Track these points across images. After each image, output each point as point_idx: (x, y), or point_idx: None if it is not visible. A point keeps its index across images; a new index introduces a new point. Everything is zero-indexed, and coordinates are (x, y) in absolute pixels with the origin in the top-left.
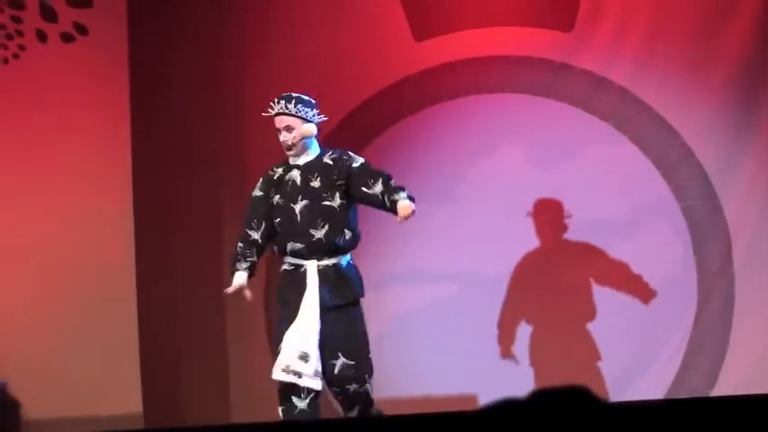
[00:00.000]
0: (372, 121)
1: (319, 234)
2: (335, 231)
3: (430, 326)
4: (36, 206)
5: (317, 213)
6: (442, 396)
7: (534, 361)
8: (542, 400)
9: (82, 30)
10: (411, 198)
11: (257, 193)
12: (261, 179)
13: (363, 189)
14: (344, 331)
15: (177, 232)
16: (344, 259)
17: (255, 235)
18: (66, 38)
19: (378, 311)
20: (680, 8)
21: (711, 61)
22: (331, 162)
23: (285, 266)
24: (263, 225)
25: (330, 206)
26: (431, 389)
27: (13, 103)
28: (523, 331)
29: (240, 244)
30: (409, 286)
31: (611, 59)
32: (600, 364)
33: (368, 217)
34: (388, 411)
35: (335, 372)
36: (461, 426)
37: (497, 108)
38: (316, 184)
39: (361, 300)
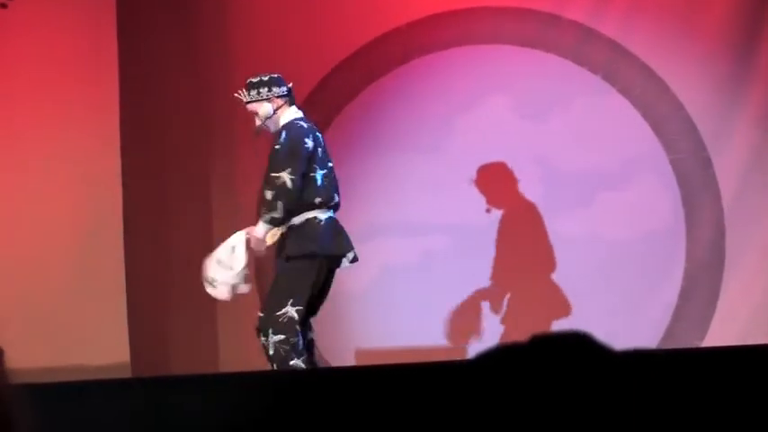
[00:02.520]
0: (361, 73)
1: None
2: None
3: (417, 277)
4: (20, 159)
5: (265, 185)
6: (431, 347)
7: (522, 312)
8: (541, 345)
9: None
10: (275, 223)
11: None
12: None
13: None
14: (272, 284)
15: (166, 182)
16: (297, 219)
17: None
18: None
19: (365, 264)
20: None
21: (702, 13)
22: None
23: None
24: None
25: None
26: (419, 340)
27: (1, 55)
28: (510, 281)
29: None
30: (396, 238)
31: (599, 10)
32: (590, 314)
33: (355, 171)
34: (378, 362)
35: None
36: (459, 374)
37: (485, 59)
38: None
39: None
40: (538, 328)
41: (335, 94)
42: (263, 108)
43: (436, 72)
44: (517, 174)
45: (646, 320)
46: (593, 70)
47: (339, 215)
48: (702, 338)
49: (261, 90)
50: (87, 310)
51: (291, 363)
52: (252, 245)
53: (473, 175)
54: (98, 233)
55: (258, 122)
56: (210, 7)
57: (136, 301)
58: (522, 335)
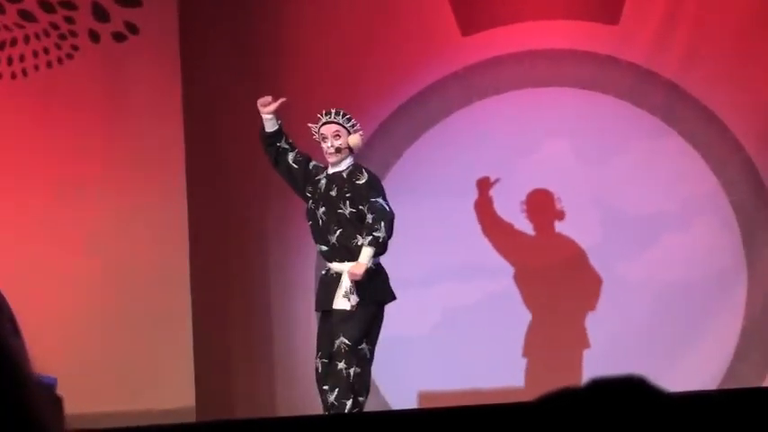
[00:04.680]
0: (420, 117)
1: (333, 239)
2: (347, 236)
3: (479, 319)
4: (90, 206)
5: (332, 219)
6: (493, 389)
7: (584, 352)
8: (600, 389)
9: (133, 29)
10: (378, 244)
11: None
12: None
13: (360, 207)
14: (352, 315)
15: (229, 233)
16: (374, 262)
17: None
18: (118, 37)
19: (427, 307)
20: (728, 0)
21: (760, 53)
22: (345, 176)
23: (322, 271)
24: (298, 156)
25: (342, 213)
26: (481, 382)
27: (67, 104)
28: (571, 323)
29: None
30: (457, 281)
31: (657, 52)
32: (651, 354)
33: (416, 215)
34: (440, 404)
35: (333, 348)
36: (520, 417)
37: (544, 102)
38: (333, 193)
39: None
40: (601, 365)
41: (395, 137)
42: (354, 139)
43: (495, 115)
44: (577, 216)
45: (707, 361)
46: (652, 112)
47: (402, 258)
48: (764, 378)
49: (355, 125)
50: (156, 356)
51: (360, 399)
52: (356, 270)
53: (529, 215)
54: (166, 281)
55: (338, 144)
56: (269, 53)
57: (202, 346)
58: (586, 372)
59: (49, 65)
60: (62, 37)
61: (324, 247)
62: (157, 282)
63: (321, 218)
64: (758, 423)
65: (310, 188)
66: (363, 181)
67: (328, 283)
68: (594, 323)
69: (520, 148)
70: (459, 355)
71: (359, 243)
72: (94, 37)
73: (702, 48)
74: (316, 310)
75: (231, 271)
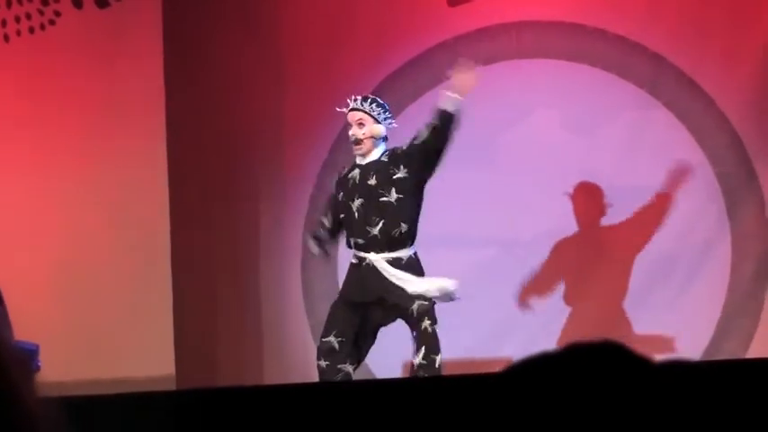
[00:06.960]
0: (407, 88)
1: (374, 231)
2: (391, 225)
3: (466, 291)
4: (70, 174)
5: (372, 210)
6: (478, 359)
7: (568, 325)
8: (576, 353)
9: None
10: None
11: (333, 191)
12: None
13: (415, 143)
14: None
15: (212, 194)
16: (405, 253)
17: (326, 221)
18: (102, 3)
19: None
20: None
21: (748, 27)
22: (386, 159)
23: (352, 260)
24: (332, 216)
25: (386, 201)
26: (466, 353)
27: (50, 70)
28: (557, 293)
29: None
30: (443, 250)
31: (645, 25)
32: (632, 328)
33: None
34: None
35: (409, 314)
36: (496, 384)
37: (531, 73)
38: (372, 182)
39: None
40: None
41: None
42: (377, 128)
43: (483, 86)
44: (563, 187)
45: (689, 333)
46: (640, 84)
47: None
48: (746, 350)
49: (382, 113)
50: (134, 324)
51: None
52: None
53: (521, 189)
54: (146, 245)
55: (360, 135)
56: (252, 21)
57: (182, 314)
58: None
59: (31, 30)
60: (44, 2)
61: (360, 240)
62: (137, 246)
63: (357, 210)
64: (739, 394)
65: (343, 185)
66: (408, 143)
67: (365, 275)
68: (579, 293)
69: (506, 119)
70: (444, 325)
71: (402, 231)
72: (77, 2)
73: (689, 21)
74: (347, 299)
75: (215, 234)
